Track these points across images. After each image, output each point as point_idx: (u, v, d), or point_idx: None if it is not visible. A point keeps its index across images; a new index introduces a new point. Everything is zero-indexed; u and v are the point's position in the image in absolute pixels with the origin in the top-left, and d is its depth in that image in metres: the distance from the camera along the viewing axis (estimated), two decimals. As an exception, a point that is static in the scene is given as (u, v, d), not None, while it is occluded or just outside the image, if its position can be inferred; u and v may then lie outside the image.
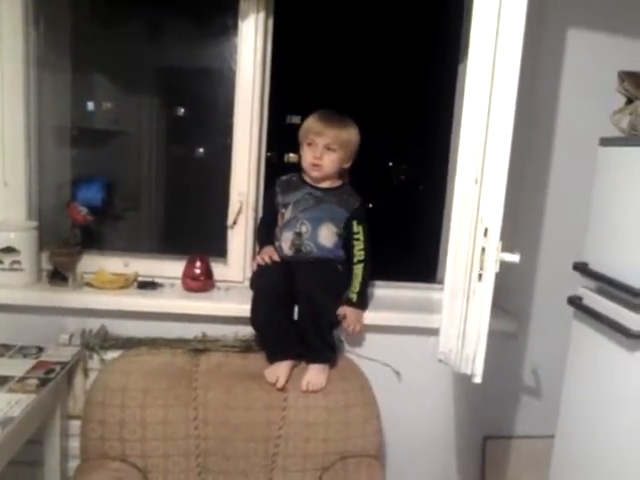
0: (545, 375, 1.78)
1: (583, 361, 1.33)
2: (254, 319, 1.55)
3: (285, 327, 1.55)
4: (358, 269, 1.63)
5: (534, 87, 1.66)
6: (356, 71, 3.26)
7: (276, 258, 1.59)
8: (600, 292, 1.27)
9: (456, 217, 1.36)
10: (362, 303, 1.64)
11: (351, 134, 1.60)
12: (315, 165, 1.58)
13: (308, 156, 1.59)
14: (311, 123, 1.59)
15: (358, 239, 1.64)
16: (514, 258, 1.28)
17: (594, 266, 1.28)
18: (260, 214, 1.79)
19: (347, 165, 1.64)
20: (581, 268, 1.31)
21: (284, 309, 1.54)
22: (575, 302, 1.33)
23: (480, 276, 1.29)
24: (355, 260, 1.64)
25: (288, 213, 1.62)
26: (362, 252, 1.64)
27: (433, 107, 2.55)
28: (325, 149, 1.57)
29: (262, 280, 1.56)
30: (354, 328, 1.59)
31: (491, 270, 1.27)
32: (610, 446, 1.22)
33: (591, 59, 1.66)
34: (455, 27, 1.81)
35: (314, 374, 1.52)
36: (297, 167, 1.70)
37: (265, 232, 1.69)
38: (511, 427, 1.83)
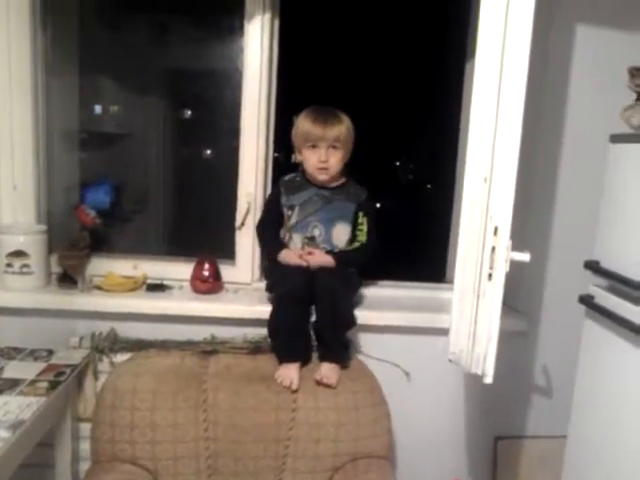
0: (556, 374, 1.77)
1: (595, 360, 1.32)
2: (276, 320, 1.53)
3: (302, 329, 1.55)
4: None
5: (543, 84, 1.64)
6: (363, 70, 3.25)
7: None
8: (612, 290, 1.25)
9: (465, 216, 1.35)
10: (343, 260, 1.59)
11: (348, 127, 1.59)
12: (322, 168, 1.57)
13: (313, 160, 1.57)
14: (308, 127, 1.56)
15: (361, 230, 1.65)
16: (524, 257, 1.27)
17: (605, 264, 1.27)
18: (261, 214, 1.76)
19: (347, 159, 1.61)
20: (592, 266, 1.29)
21: (304, 311, 1.54)
22: (586, 301, 1.31)
23: (490, 275, 1.28)
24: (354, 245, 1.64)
25: (295, 215, 1.61)
26: (362, 239, 1.64)
27: (439, 106, 2.54)
28: (330, 149, 1.56)
29: (289, 281, 1.53)
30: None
31: (501, 269, 1.26)
32: (623, 446, 1.21)
33: (600, 55, 1.64)
34: (462, 24, 1.80)
35: (327, 370, 1.51)
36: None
37: (271, 234, 1.67)
38: (522, 427, 1.81)
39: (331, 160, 1.56)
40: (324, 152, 1.55)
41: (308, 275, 1.53)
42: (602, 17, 1.63)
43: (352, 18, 3.00)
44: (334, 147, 1.56)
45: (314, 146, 1.56)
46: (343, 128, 1.56)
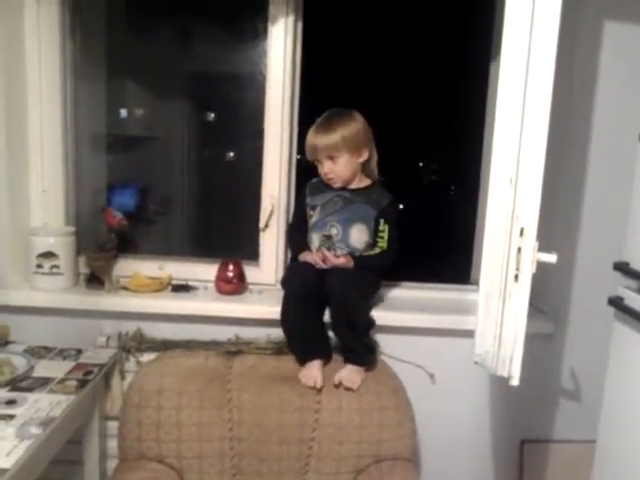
0: (584, 377, 1.74)
1: (625, 363, 1.29)
2: (285, 318, 1.55)
3: (315, 327, 1.55)
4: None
5: (570, 82, 1.62)
6: (386, 71, 3.25)
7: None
8: (642, 292, 1.23)
9: (491, 217, 1.34)
10: (361, 265, 1.58)
11: (344, 132, 1.55)
12: (330, 178, 1.60)
13: (320, 172, 1.61)
14: (308, 141, 1.59)
15: (382, 237, 1.62)
16: (551, 258, 1.25)
17: (635, 265, 1.24)
18: (291, 217, 1.79)
19: (363, 158, 1.60)
20: (622, 268, 1.26)
21: (314, 309, 1.55)
22: (616, 303, 1.28)
23: (516, 277, 1.26)
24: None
25: (316, 215, 1.63)
26: (383, 246, 1.62)
27: (463, 106, 2.52)
28: (329, 160, 1.57)
29: (294, 279, 1.56)
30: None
31: (527, 271, 1.24)
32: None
33: (629, 52, 1.61)
34: (486, 23, 1.79)
35: (349, 372, 1.51)
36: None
37: (298, 236, 1.69)
38: (549, 431, 1.78)
39: (335, 168, 1.58)
40: (324, 164, 1.58)
41: (318, 273, 1.53)
42: (631, 13, 1.59)
43: (375, 19, 3.00)
44: (332, 157, 1.57)
45: (318, 160, 1.59)
46: (333, 137, 1.54)
